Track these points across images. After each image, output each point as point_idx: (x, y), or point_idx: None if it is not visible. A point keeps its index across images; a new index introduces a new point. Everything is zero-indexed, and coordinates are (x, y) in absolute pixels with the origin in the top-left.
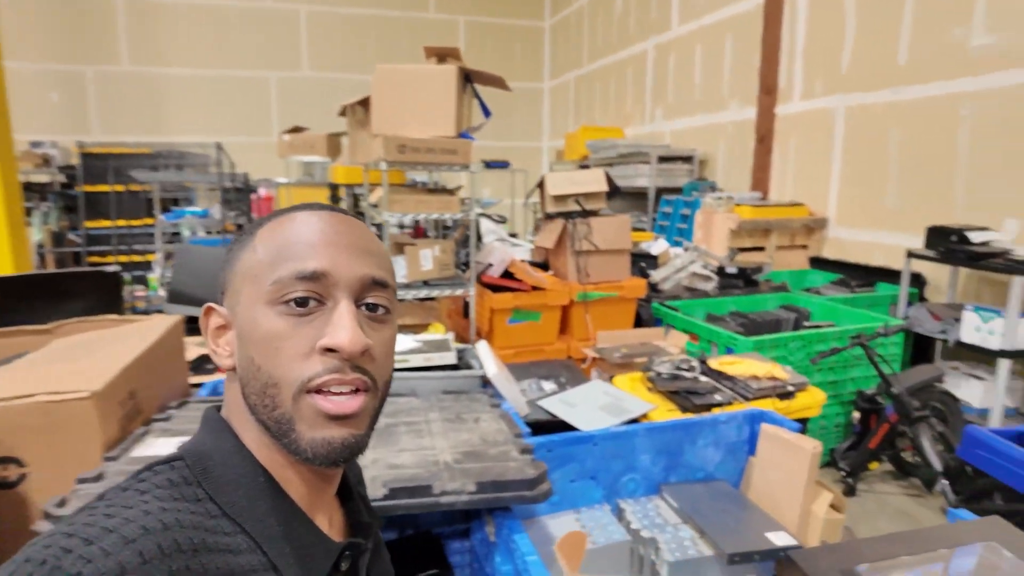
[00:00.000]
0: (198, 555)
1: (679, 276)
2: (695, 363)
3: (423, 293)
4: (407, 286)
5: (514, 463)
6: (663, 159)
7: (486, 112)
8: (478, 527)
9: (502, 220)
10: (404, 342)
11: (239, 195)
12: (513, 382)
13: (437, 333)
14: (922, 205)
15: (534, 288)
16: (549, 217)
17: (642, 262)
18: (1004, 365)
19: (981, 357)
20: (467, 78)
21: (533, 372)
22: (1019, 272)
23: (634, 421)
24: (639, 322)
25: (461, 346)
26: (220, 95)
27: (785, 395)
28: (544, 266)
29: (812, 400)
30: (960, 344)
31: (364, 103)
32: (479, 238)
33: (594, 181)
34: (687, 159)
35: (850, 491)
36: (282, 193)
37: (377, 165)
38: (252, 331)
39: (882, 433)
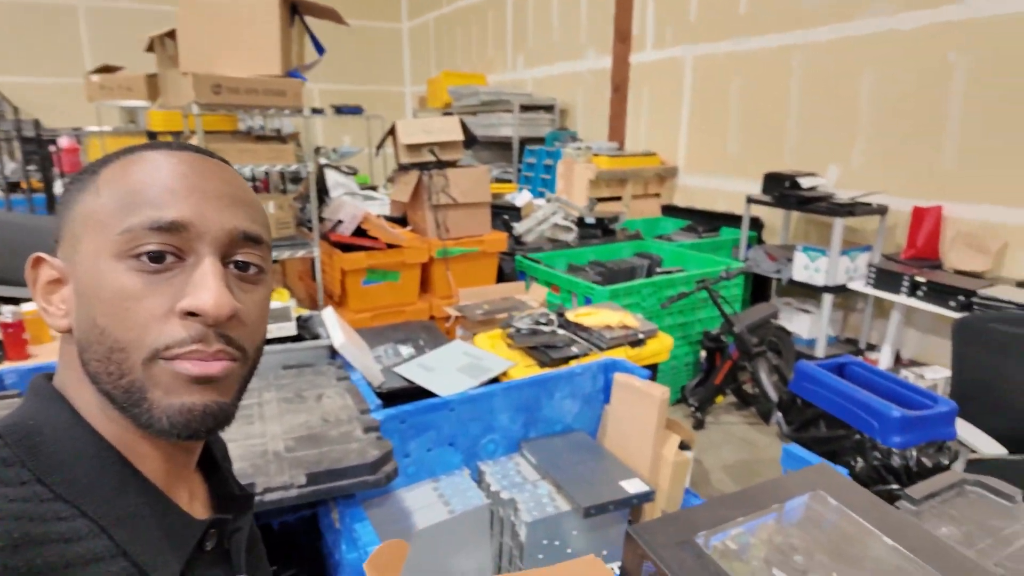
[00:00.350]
0: (22, 550)
1: (541, 228)
2: (553, 316)
3: None
4: None
5: (356, 444)
6: (525, 108)
7: (319, 49)
8: (324, 513)
9: (351, 172)
10: None
11: (29, 145)
12: (366, 350)
13: (279, 301)
14: (759, 152)
15: (390, 246)
16: (403, 168)
17: (506, 214)
18: (827, 299)
19: (809, 293)
20: (294, 9)
21: (390, 336)
22: (839, 214)
23: (495, 380)
24: (502, 276)
25: (306, 314)
26: (9, 25)
27: (636, 343)
28: (403, 221)
29: (661, 346)
30: (792, 282)
31: (174, 35)
32: (324, 192)
33: (449, 130)
34: (549, 108)
35: (699, 425)
36: (93, 143)
37: (190, 108)
38: (95, 288)
39: (726, 370)
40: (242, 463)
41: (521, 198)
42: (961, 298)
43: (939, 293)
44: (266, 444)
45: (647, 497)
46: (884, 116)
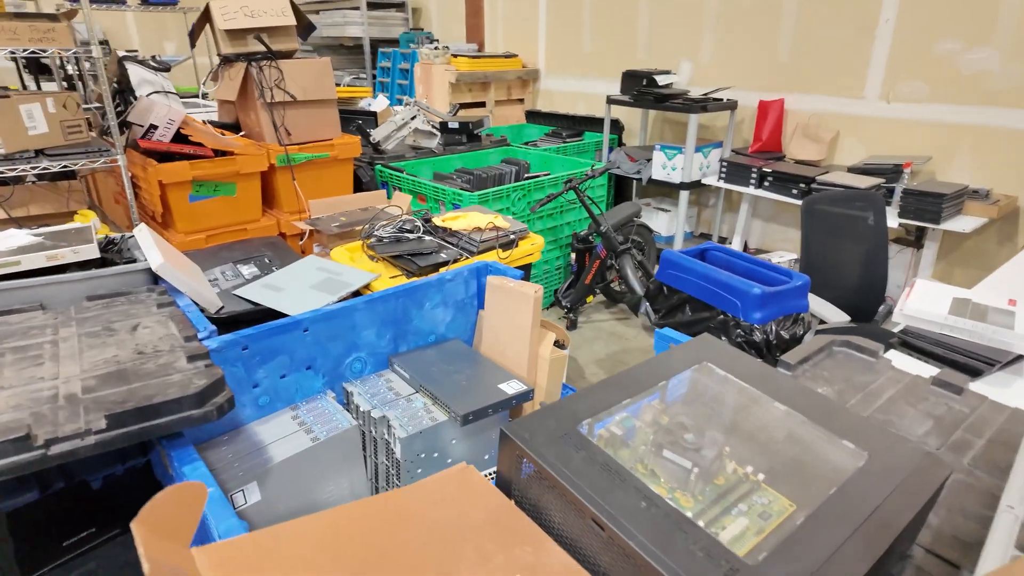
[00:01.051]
0: None
1: (401, 133)
2: (418, 223)
3: (41, 167)
4: (6, 158)
5: (178, 376)
6: (374, 5)
7: None
8: (157, 460)
9: (163, 68)
10: (15, 237)
11: None
12: (196, 272)
13: (79, 222)
14: (615, 50)
15: (220, 154)
16: (227, 61)
17: (360, 119)
18: (684, 196)
19: (667, 191)
20: None
21: (227, 257)
22: (694, 111)
23: (357, 295)
24: (359, 187)
25: (117, 236)
26: None
27: (508, 244)
28: (235, 128)
29: (533, 246)
30: (652, 181)
31: None
32: (129, 92)
33: (277, 11)
34: (400, 6)
35: (572, 325)
36: None
37: None
38: None
39: (595, 268)
40: (18, 413)
41: (377, 104)
42: (802, 185)
43: (783, 182)
44: (57, 387)
45: (526, 397)
46: (728, 9)
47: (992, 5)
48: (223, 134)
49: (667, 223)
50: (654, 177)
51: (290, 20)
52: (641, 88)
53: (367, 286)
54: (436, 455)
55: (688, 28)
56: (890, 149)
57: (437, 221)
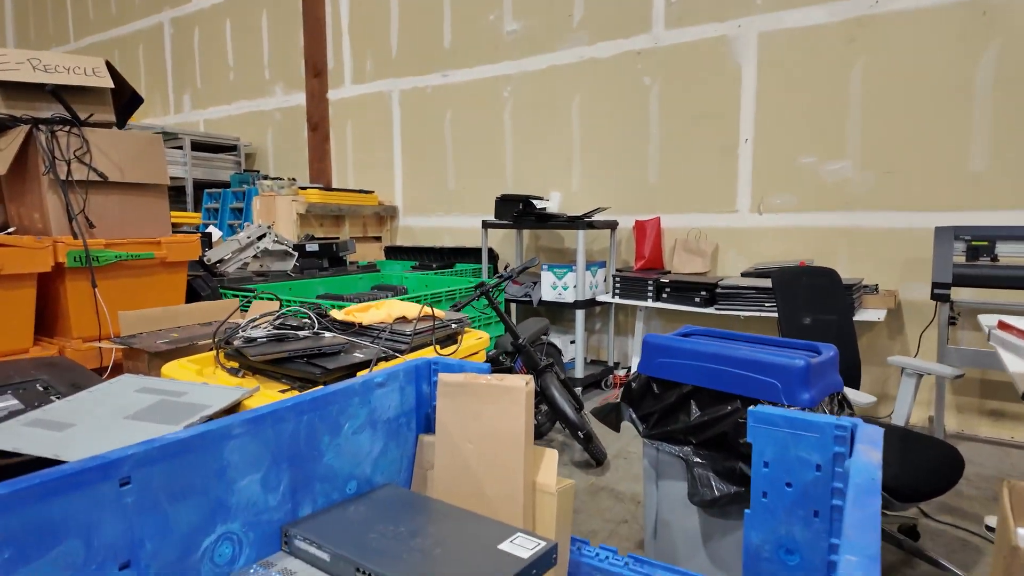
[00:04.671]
0: None
1: (245, 255)
2: (312, 316)
3: None
4: None
5: None
6: (200, 147)
7: None
8: None
9: None
10: None
11: None
12: None
13: None
14: (482, 186)
15: None
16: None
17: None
18: (580, 315)
19: (554, 315)
20: None
21: None
22: (580, 227)
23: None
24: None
25: None
26: None
27: (448, 338)
28: None
29: (478, 341)
30: (542, 303)
31: None
32: None
33: (86, 70)
34: (231, 148)
35: None
36: None
37: None
38: None
39: None
40: None
41: (212, 231)
42: (703, 293)
43: (683, 291)
44: None
45: (549, 559)
46: (596, 137)
47: (839, 121)
48: None
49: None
50: (544, 299)
51: (104, 82)
52: (518, 211)
53: (236, 408)
54: None
55: (554, 159)
56: (771, 256)
57: (338, 315)
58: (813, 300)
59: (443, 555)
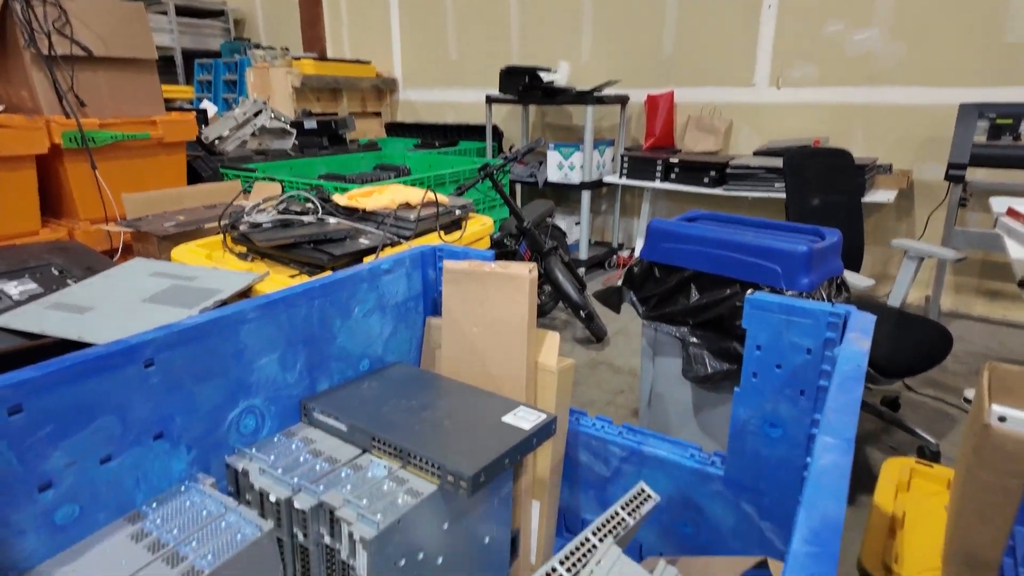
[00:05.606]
0: None
1: (243, 132)
2: (315, 202)
3: None
4: None
5: None
6: (184, 11)
7: None
8: None
9: None
10: None
11: None
12: None
13: None
14: (485, 58)
15: None
16: None
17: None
18: (586, 196)
19: (560, 195)
20: None
21: None
22: (589, 102)
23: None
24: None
25: None
26: None
27: (452, 224)
28: None
29: (483, 227)
30: (548, 184)
31: None
32: None
33: None
34: (218, 14)
35: None
36: None
37: None
38: None
39: None
40: None
41: (206, 106)
42: (713, 173)
43: (692, 172)
44: None
45: (548, 430)
46: (605, 5)
47: None
48: None
49: (565, 227)
50: (551, 179)
51: None
52: (525, 84)
53: (248, 292)
54: (422, 557)
55: (564, 27)
56: (785, 134)
57: (341, 200)
58: (823, 181)
59: (451, 426)
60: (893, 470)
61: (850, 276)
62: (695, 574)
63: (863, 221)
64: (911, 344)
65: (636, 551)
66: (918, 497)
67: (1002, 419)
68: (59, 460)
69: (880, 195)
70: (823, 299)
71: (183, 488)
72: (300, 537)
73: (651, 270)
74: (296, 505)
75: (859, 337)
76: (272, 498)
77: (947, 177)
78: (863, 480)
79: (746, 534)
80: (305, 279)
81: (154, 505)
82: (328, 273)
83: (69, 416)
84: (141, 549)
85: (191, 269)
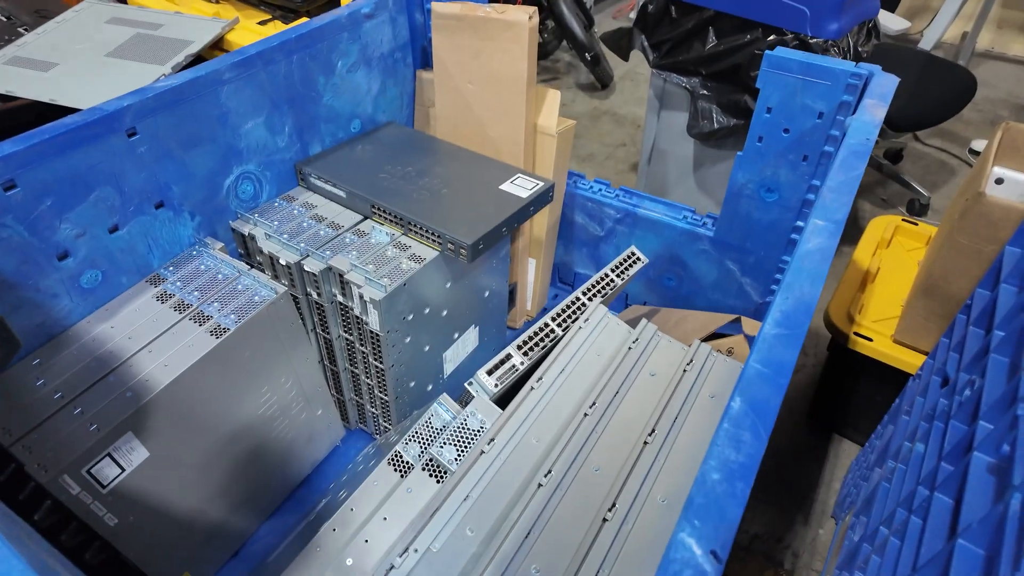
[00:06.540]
0: None
1: None
2: None
3: None
4: None
5: None
6: None
7: None
8: None
9: None
10: None
11: None
12: None
13: None
14: None
15: None
16: None
17: None
18: None
19: None
20: None
21: None
22: None
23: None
24: None
25: None
26: None
27: None
28: None
29: None
30: None
31: None
32: None
33: None
34: None
35: None
36: None
37: None
38: None
39: None
40: None
41: None
42: None
43: None
44: None
45: (546, 196)
46: None
47: None
48: None
49: None
50: None
51: None
52: None
53: (220, 44)
54: (427, 311)
55: None
56: None
57: None
58: None
59: (450, 194)
60: (878, 228)
61: (885, 18)
62: (671, 327)
63: None
64: (929, 96)
65: (622, 299)
66: (897, 252)
67: (999, 181)
68: (69, 231)
69: None
70: (849, 47)
71: (195, 252)
72: (315, 296)
73: (667, 8)
74: (306, 268)
75: (875, 104)
76: (281, 261)
77: None
78: (848, 233)
79: (726, 287)
80: (279, 27)
81: (171, 268)
82: (304, 21)
83: (65, 189)
84: (168, 309)
85: (153, 14)
